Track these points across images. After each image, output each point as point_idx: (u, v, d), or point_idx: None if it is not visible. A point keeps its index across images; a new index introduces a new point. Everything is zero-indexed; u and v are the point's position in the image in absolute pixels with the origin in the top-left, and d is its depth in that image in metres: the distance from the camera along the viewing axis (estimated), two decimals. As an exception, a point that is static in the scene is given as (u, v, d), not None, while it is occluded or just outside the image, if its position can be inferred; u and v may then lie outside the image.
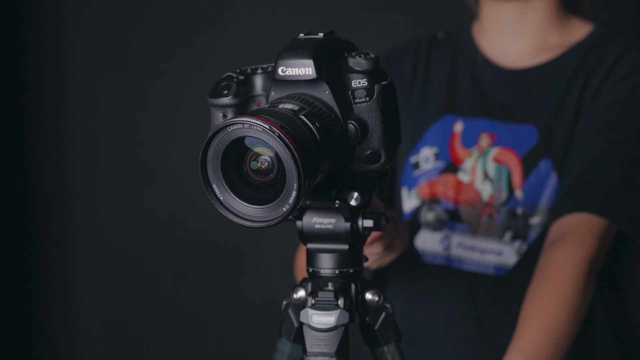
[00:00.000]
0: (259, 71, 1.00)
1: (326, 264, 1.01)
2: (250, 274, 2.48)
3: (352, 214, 0.99)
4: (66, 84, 2.53)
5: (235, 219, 0.89)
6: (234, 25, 2.42)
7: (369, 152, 0.96)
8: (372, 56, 0.96)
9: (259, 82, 0.99)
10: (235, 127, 0.86)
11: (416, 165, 1.50)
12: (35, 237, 2.57)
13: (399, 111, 1.00)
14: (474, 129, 1.48)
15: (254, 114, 0.87)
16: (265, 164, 0.89)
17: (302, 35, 0.97)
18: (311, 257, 1.02)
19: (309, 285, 1.02)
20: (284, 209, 0.87)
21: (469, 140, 1.48)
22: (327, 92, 0.94)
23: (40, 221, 2.57)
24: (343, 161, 0.96)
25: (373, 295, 1.03)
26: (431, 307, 1.48)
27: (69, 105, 2.53)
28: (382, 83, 0.96)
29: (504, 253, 1.43)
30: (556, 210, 1.35)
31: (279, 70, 0.95)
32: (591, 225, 1.30)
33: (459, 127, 1.49)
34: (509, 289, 1.42)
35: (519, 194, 1.43)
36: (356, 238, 1.00)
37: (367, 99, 0.95)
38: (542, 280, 1.26)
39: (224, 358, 2.50)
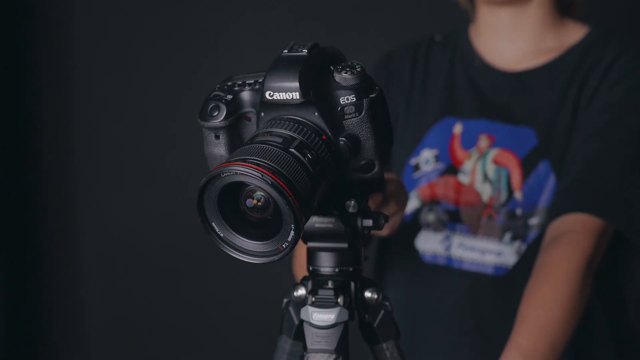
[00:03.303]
0: (246, 88, 0.99)
1: (326, 263, 1.02)
2: (251, 273, 2.48)
3: (350, 219, 1.00)
4: (69, 85, 2.54)
5: (237, 255, 0.90)
6: (235, 25, 2.43)
7: (362, 162, 0.96)
8: (358, 69, 0.95)
9: (247, 98, 0.98)
10: (228, 173, 0.87)
11: (416, 167, 1.51)
12: (38, 237, 2.58)
13: (389, 115, 0.99)
14: (473, 129, 1.49)
15: (246, 158, 0.87)
16: (262, 200, 0.89)
17: (285, 52, 0.95)
18: (311, 255, 1.03)
19: (309, 283, 1.03)
20: (284, 246, 0.88)
21: (468, 142, 1.49)
22: (315, 114, 0.94)
23: (43, 221, 2.58)
24: (338, 177, 0.96)
25: (372, 293, 1.04)
26: (432, 307, 1.49)
27: (72, 107, 2.54)
28: (371, 96, 0.94)
29: (503, 253, 1.44)
30: (554, 211, 1.36)
31: (267, 94, 0.94)
32: (588, 225, 1.31)
33: (458, 128, 1.50)
34: (508, 288, 1.43)
35: (518, 195, 1.44)
36: (356, 237, 1.01)
37: (357, 114, 0.94)
38: (540, 279, 1.27)
39: (226, 355, 2.51)
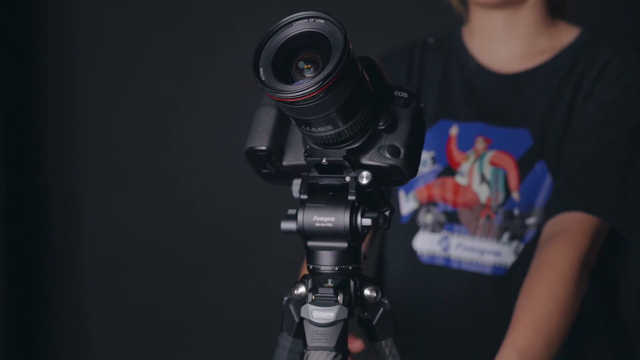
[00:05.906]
0: None
1: (326, 261, 1.03)
2: (252, 272, 2.50)
3: (357, 193, 1.02)
4: (73, 87, 2.55)
5: (269, 91, 0.95)
6: (234, 28, 2.44)
7: (390, 144, 1.01)
8: (418, 88, 1.06)
9: None
10: (301, 21, 0.95)
11: (413, 169, 1.52)
12: (39, 237, 2.58)
13: (424, 140, 1.05)
14: (469, 132, 1.50)
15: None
16: (311, 65, 0.96)
17: None
18: (311, 254, 1.04)
19: (309, 281, 1.04)
20: (317, 80, 0.92)
21: (465, 144, 1.50)
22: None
23: (45, 222, 2.58)
24: (369, 130, 1.01)
25: (371, 291, 1.05)
26: (431, 307, 1.49)
27: (76, 109, 2.55)
28: (420, 104, 1.04)
29: (502, 253, 1.45)
30: (550, 209, 1.37)
31: None
32: (584, 223, 1.32)
33: (454, 130, 1.51)
34: (507, 288, 1.44)
35: (515, 195, 1.45)
36: (355, 236, 1.02)
37: (404, 105, 1.02)
38: (536, 277, 1.27)
39: (227, 353, 2.51)
